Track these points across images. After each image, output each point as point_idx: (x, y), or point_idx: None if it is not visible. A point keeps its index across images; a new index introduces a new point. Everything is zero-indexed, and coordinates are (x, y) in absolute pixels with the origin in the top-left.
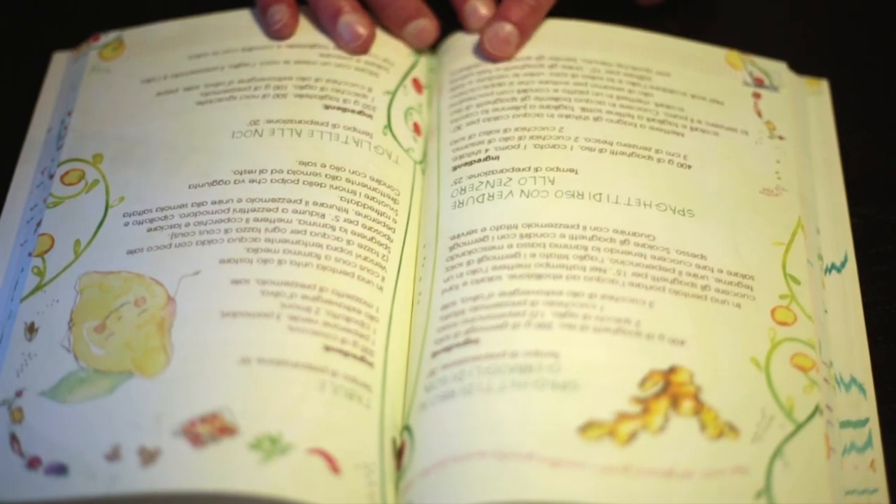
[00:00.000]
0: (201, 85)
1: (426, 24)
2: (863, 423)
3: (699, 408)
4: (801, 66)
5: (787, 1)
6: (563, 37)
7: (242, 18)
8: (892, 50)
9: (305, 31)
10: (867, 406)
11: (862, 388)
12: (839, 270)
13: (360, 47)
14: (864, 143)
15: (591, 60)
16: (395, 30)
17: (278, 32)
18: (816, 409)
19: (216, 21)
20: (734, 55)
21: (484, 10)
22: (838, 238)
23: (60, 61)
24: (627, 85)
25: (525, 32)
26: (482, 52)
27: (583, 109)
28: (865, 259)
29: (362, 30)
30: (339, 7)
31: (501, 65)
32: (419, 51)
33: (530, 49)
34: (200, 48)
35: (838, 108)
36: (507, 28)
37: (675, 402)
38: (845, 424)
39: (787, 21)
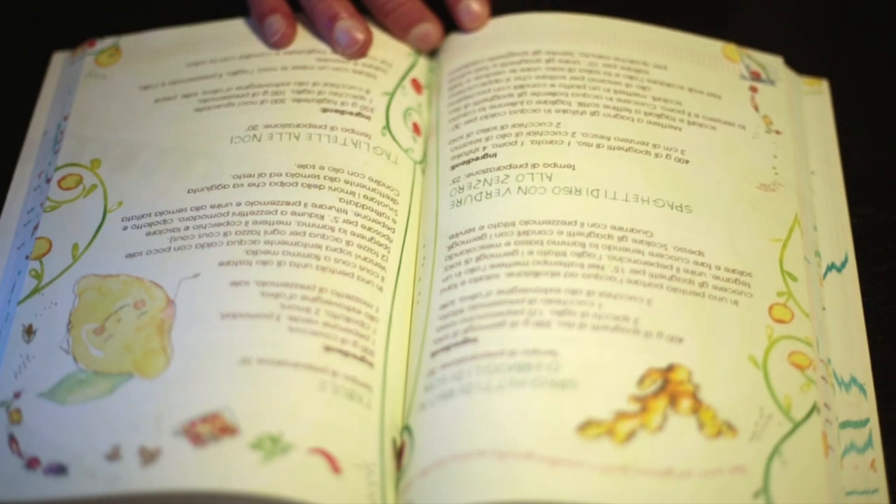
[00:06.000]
0: (199, 92)
1: (430, 28)
2: (863, 423)
3: (697, 406)
4: (801, 65)
5: (788, 1)
6: (559, 31)
7: (239, 27)
8: (892, 50)
9: (302, 36)
10: (868, 406)
11: (862, 389)
12: (839, 270)
13: (358, 52)
14: (864, 143)
15: (588, 54)
16: (399, 34)
17: (277, 43)
18: (814, 408)
19: (213, 29)
20: (731, 48)
21: (477, 8)
22: (838, 238)
23: (60, 62)
24: (625, 79)
25: None
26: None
27: (580, 104)
28: (865, 259)
29: (360, 35)
30: (336, 13)
31: (498, 61)
32: (418, 51)
33: (527, 44)
34: (198, 56)
35: (838, 107)
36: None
37: (673, 401)
38: (846, 424)
39: (787, 21)
